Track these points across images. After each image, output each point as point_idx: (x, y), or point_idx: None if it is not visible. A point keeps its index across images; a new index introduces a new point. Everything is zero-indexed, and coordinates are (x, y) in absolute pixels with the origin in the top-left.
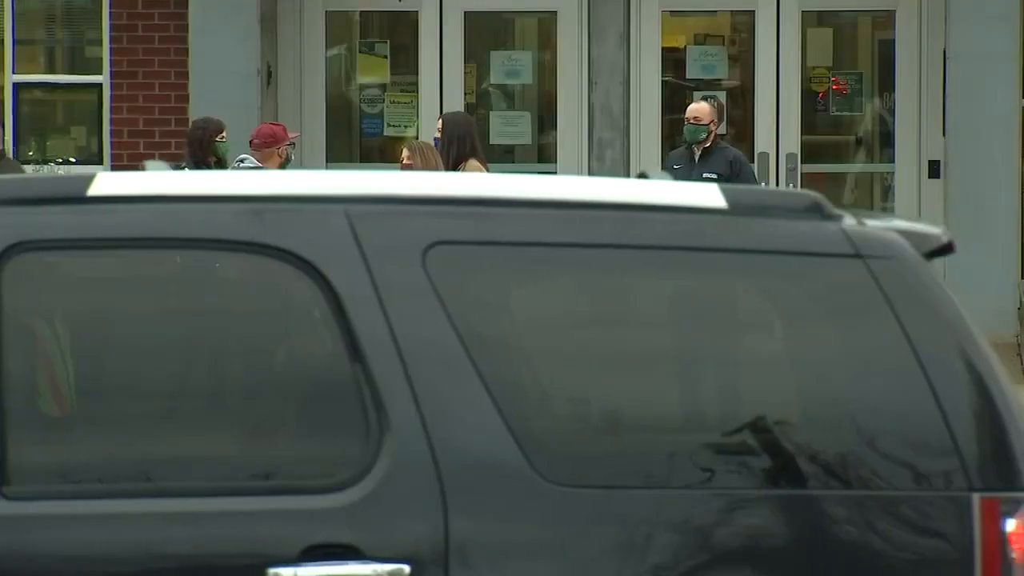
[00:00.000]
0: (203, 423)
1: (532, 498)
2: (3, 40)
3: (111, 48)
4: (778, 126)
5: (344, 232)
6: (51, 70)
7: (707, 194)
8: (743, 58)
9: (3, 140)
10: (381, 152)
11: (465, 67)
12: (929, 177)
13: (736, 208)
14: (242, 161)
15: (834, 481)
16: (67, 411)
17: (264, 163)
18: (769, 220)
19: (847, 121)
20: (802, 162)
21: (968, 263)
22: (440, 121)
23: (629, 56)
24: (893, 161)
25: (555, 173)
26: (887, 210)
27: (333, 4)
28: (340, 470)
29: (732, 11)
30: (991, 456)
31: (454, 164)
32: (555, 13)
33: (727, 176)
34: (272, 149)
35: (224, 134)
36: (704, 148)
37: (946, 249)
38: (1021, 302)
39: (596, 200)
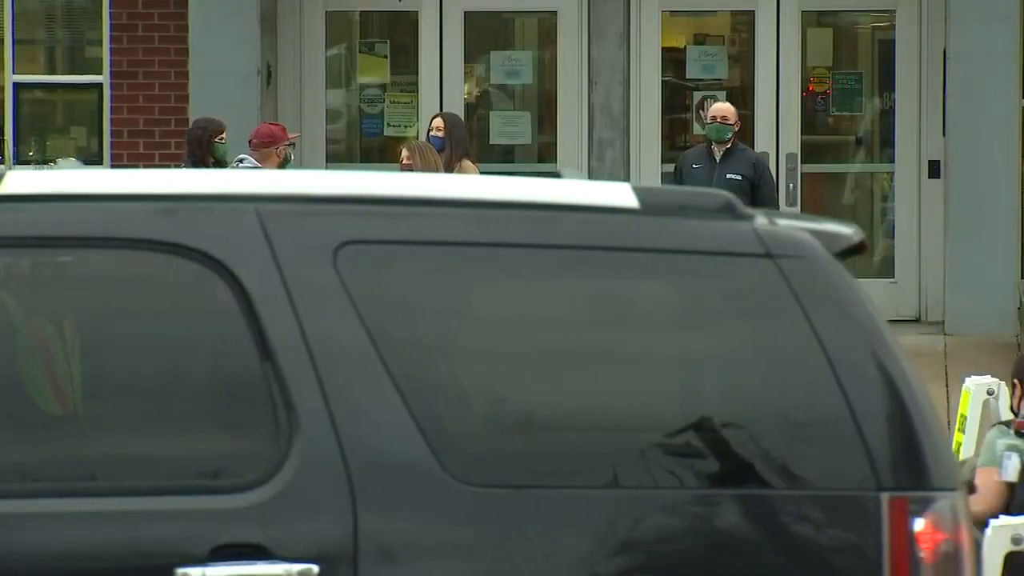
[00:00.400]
0: (112, 422)
1: (442, 497)
2: (3, 40)
3: (111, 48)
4: (778, 126)
5: (255, 231)
6: (51, 70)
7: (619, 194)
8: (743, 58)
9: (3, 140)
10: (381, 152)
11: (465, 67)
12: (929, 177)
13: (648, 208)
14: (241, 161)
15: (744, 480)
16: None
17: (263, 163)
18: (681, 220)
19: (847, 121)
20: (802, 162)
21: (968, 263)
22: (440, 119)
23: (629, 56)
24: (893, 161)
25: (555, 173)
26: (887, 210)
27: (333, 4)
28: (249, 469)
29: (732, 11)
30: (900, 456)
31: (453, 163)
32: (555, 13)
33: (750, 178)
34: (270, 149)
35: (224, 135)
36: (725, 149)
37: (858, 249)
38: (1021, 302)
39: (508, 200)
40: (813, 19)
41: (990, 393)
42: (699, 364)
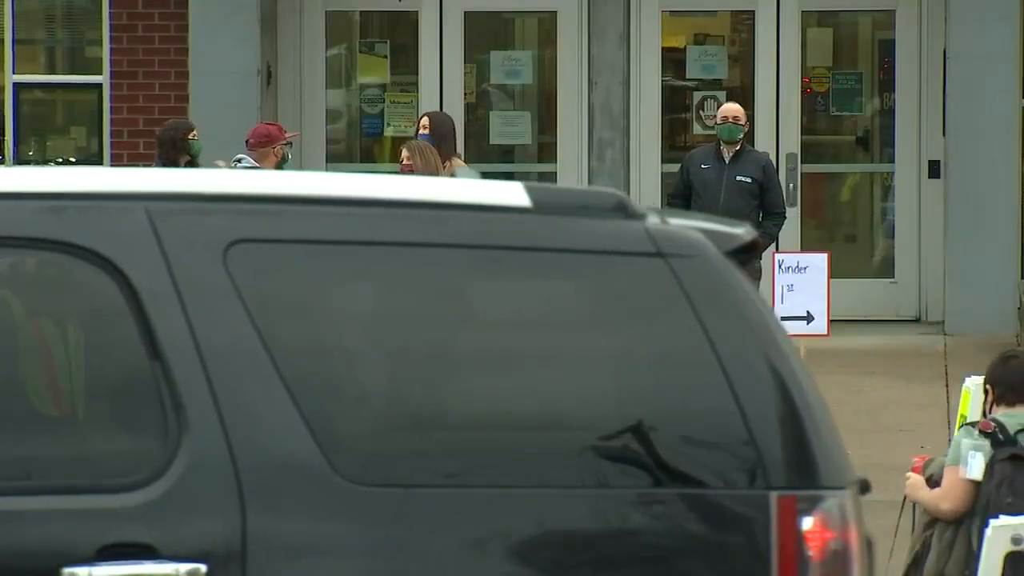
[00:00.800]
0: None
1: (331, 497)
2: (3, 40)
3: (111, 48)
4: (778, 126)
5: (145, 230)
6: (51, 70)
7: (511, 193)
8: (743, 58)
9: (3, 140)
10: (381, 152)
11: (465, 67)
12: (929, 177)
13: (540, 207)
14: (239, 161)
15: (633, 479)
16: None
17: (260, 162)
18: (573, 219)
19: (847, 121)
20: (802, 162)
21: (968, 263)
22: (426, 118)
23: (629, 56)
24: (893, 161)
25: (555, 173)
26: (887, 210)
27: (333, 4)
28: (137, 469)
29: (732, 11)
30: (790, 455)
31: (443, 162)
32: (555, 13)
33: (759, 181)
34: (267, 148)
35: (195, 133)
36: (735, 150)
37: (750, 248)
38: (1021, 302)
39: (400, 199)
40: (813, 19)
41: None
42: (590, 363)
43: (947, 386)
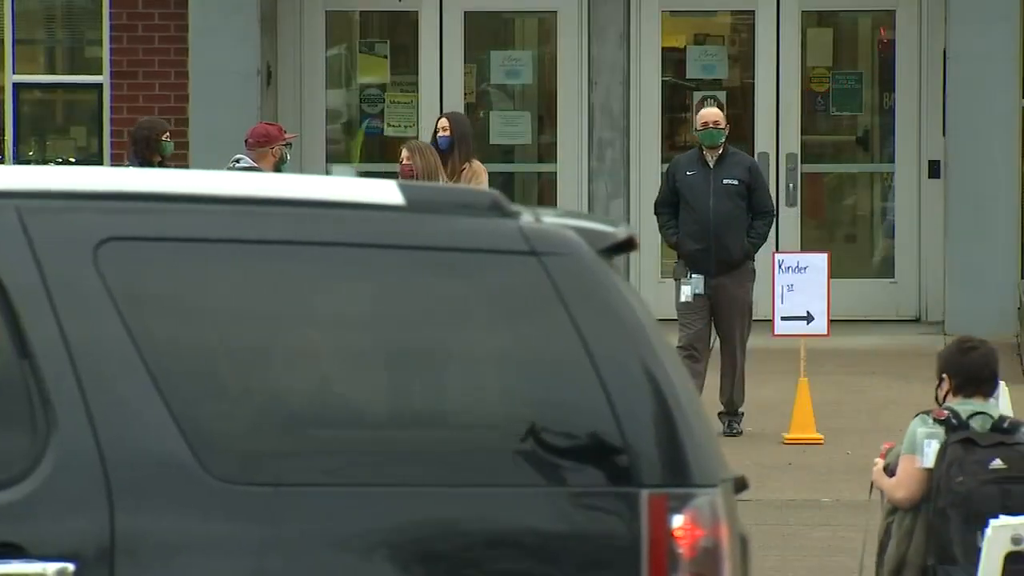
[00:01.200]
0: None
1: (200, 495)
2: (3, 40)
3: (111, 48)
4: (778, 126)
5: (14, 228)
6: (51, 70)
7: (385, 191)
8: (743, 58)
9: (3, 140)
10: (381, 152)
11: (465, 67)
12: (929, 177)
13: (414, 205)
14: (238, 161)
15: (505, 477)
16: None
17: (259, 163)
18: (446, 217)
19: (847, 121)
20: (802, 162)
21: (968, 263)
22: (445, 120)
23: (629, 56)
24: (893, 161)
25: (555, 173)
26: (887, 210)
27: (333, 4)
28: (5, 467)
29: (732, 11)
30: (661, 454)
31: (461, 164)
32: (555, 13)
33: (747, 182)
34: (266, 149)
35: (168, 134)
36: (718, 154)
37: (625, 246)
38: (1021, 302)
39: (272, 196)
40: (813, 19)
41: None
42: (464, 362)
43: None
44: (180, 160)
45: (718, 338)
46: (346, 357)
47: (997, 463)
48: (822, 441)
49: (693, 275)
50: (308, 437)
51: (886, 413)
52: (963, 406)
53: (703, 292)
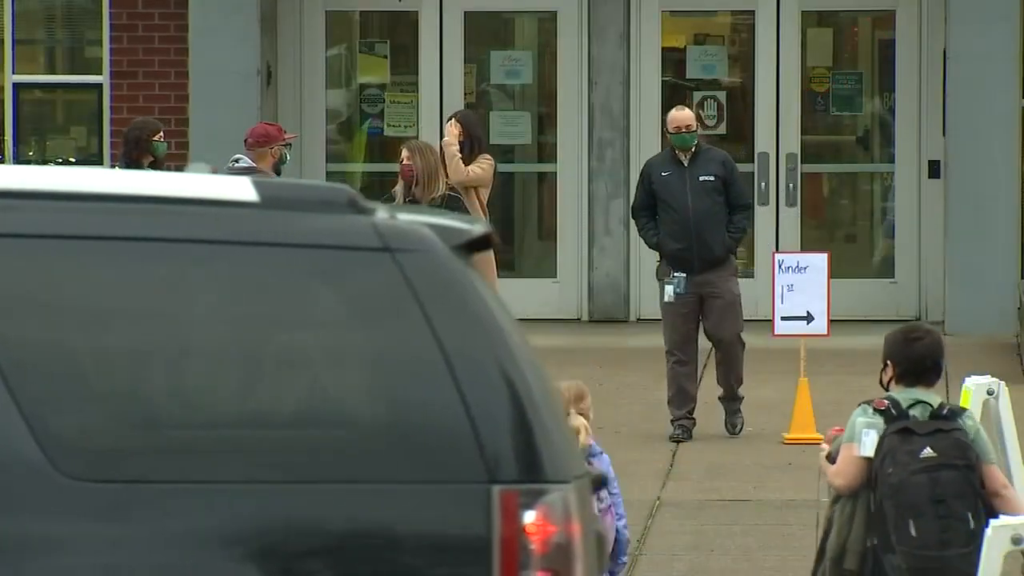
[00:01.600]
0: None
1: (50, 493)
2: (3, 40)
3: (111, 48)
4: (778, 126)
5: None
6: (51, 70)
7: (239, 188)
8: (743, 58)
9: (3, 140)
10: (381, 152)
11: (465, 67)
12: (929, 177)
13: (267, 202)
14: (237, 161)
15: (359, 474)
16: None
17: (258, 163)
18: (300, 214)
19: (847, 121)
20: (802, 162)
21: (968, 263)
22: (455, 121)
23: (629, 56)
24: (893, 161)
25: (555, 173)
26: (887, 210)
27: (333, 4)
28: None
29: (732, 11)
30: (514, 451)
31: (473, 157)
32: (555, 13)
33: (722, 177)
34: (265, 149)
35: (161, 135)
36: (691, 152)
37: (481, 244)
38: (1021, 302)
39: (124, 193)
40: (813, 19)
41: (990, 393)
42: (318, 359)
43: (947, 386)
44: (180, 160)
45: (711, 341)
46: (199, 354)
47: (928, 452)
48: (822, 441)
49: (675, 275)
50: (161, 435)
51: None
52: (904, 395)
53: (684, 291)
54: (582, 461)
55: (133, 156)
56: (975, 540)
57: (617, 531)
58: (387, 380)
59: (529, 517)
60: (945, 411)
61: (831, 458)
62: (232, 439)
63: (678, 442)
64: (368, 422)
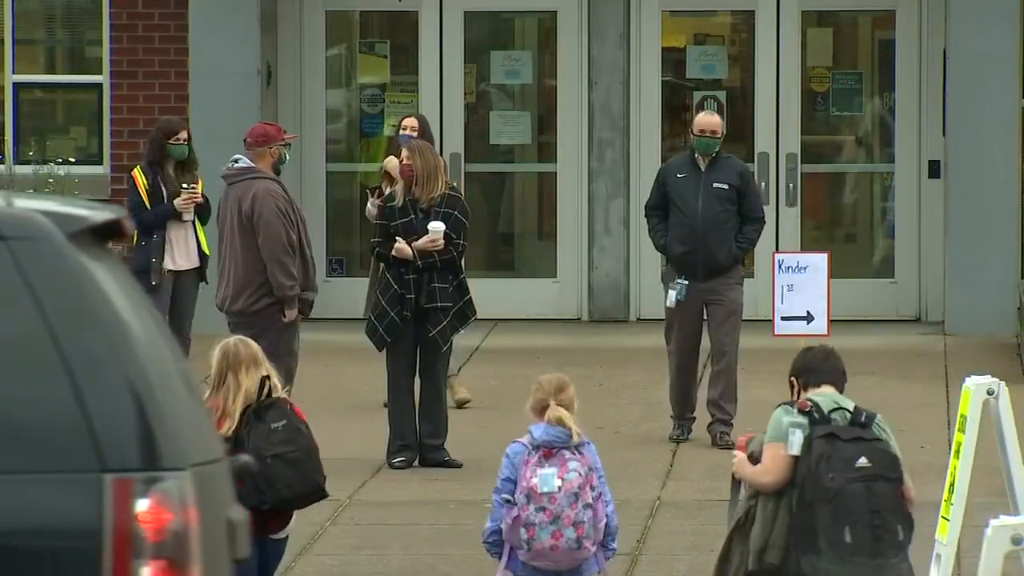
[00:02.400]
0: None
1: None
2: (3, 40)
3: (111, 48)
4: (778, 126)
5: None
6: (51, 70)
7: None
8: (743, 58)
9: (3, 140)
10: (381, 152)
11: (465, 67)
12: (929, 177)
13: None
14: (236, 161)
15: None
16: None
17: (257, 162)
18: None
19: (847, 121)
20: (802, 162)
21: (968, 263)
22: (414, 119)
23: (629, 56)
24: (893, 161)
25: (555, 173)
26: (887, 210)
27: (333, 4)
28: None
29: (732, 11)
30: (128, 437)
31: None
32: (555, 13)
33: (737, 187)
34: (265, 148)
35: (179, 136)
36: (710, 158)
37: (108, 230)
38: (1021, 302)
39: None
40: (813, 19)
41: (990, 393)
42: None
43: (947, 386)
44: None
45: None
46: None
47: (863, 461)
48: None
49: (678, 280)
50: None
51: (886, 413)
52: (822, 398)
53: (685, 298)
54: (216, 449)
55: (155, 157)
56: (903, 551)
57: (607, 517)
58: None
59: (143, 505)
60: (863, 418)
61: (753, 459)
62: None
63: (678, 442)
64: None
